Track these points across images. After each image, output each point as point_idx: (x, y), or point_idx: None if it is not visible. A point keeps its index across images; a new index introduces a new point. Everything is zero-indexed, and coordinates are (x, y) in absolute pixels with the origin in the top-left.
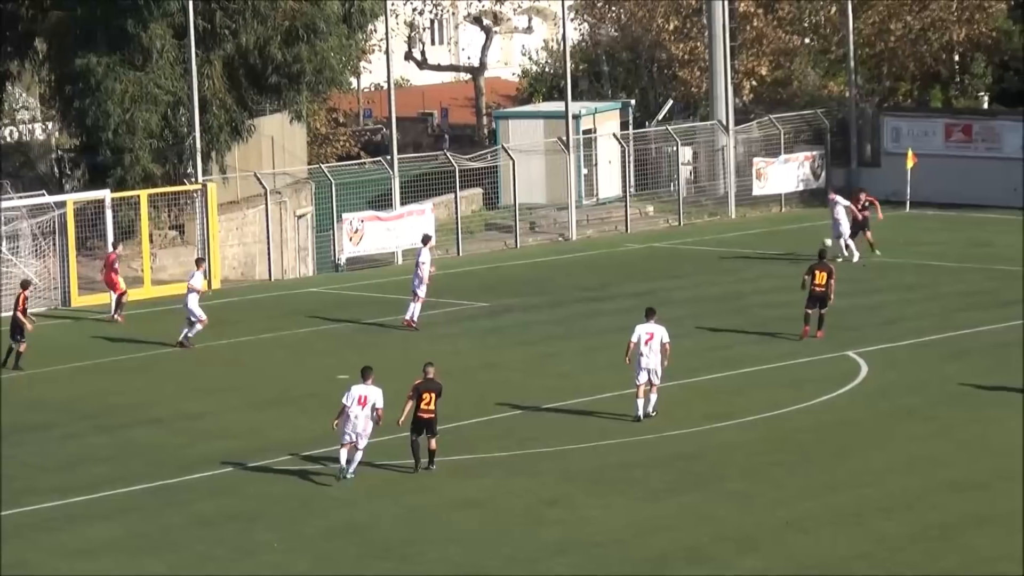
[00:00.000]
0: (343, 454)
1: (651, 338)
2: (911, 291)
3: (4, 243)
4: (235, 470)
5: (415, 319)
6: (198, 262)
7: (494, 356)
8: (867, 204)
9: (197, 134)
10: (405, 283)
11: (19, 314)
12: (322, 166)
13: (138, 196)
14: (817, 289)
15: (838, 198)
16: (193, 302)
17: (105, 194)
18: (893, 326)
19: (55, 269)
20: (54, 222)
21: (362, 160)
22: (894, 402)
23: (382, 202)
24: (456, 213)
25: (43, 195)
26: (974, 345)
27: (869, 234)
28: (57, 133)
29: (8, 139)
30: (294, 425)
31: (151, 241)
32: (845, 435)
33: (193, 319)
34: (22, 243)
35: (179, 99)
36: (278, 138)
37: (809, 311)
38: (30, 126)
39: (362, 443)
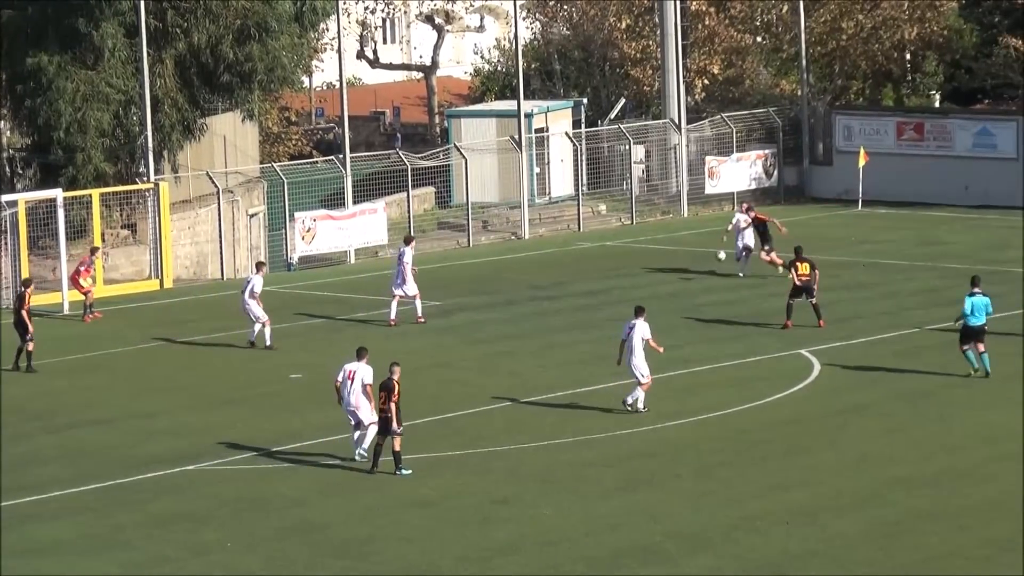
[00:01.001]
0: (354, 435)
1: (633, 330)
2: (863, 289)
3: None
4: (186, 470)
5: (420, 315)
6: (259, 266)
7: (447, 355)
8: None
9: (149, 133)
10: (357, 282)
11: (24, 313)
12: (274, 165)
13: (90, 195)
14: (803, 279)
15: (741, 216)
16: (254, 304)
17: (57, 193)
18: (846, 324)
19: (7, 268)
20: (5, 221)
21: (314, 159)
22: (846, 400)
23: (334, 201)
24: (408, 212)
25: None
26: (926, 343)
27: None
28: (8, 132)
29: None
30: (247, 425)
31: (103, 240)
32: (797, 433)
33: (257, 320)
34: None
35: (131, 98)
36: (230, 137)
37: (792, 302)
38: None
39: (364, 417)
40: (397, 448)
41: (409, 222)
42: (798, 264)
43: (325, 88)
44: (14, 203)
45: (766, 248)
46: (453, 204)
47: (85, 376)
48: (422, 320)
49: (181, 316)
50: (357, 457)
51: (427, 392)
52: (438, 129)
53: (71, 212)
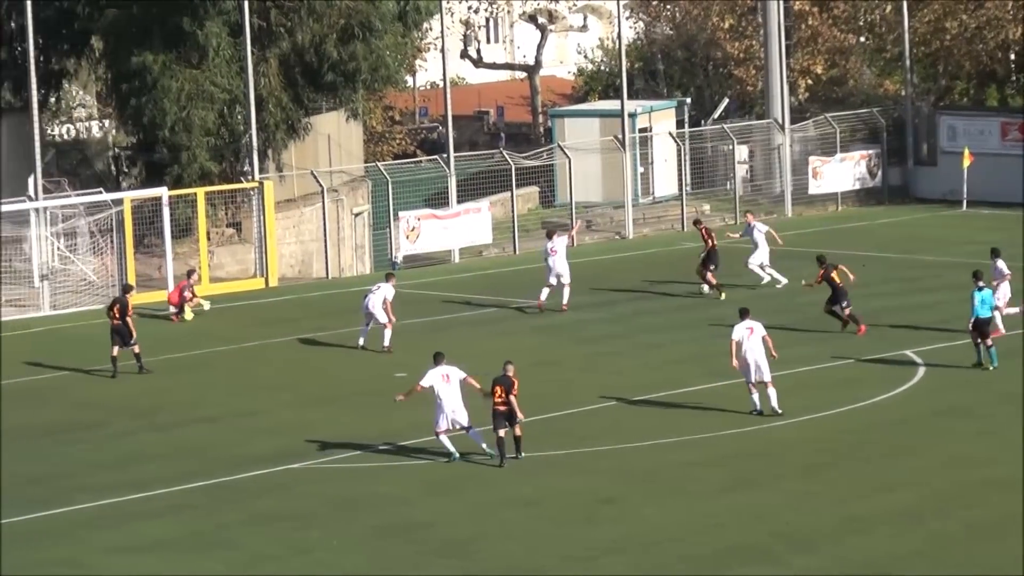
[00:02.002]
0: (445, 441)
1: (752, 333)
2: (967, 290)
3: (62, 240)
4: (290, 468)
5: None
6: (388, 276)
7: (551, 354)
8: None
9: (253, 132)
10: (461, 281)
11: (128, 320)
12: (378, 164)
13: (195, 194)
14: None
15: (757, 223)
16: (380, 309)
17: (162, 192)
18: (950, 325)
19: (113, 267)
20: (111, 220)
21: (418, 158)
22: (950, 401)
23: (438, 200)
24: (512, 211)
25: (100, 192)
26: None
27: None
28: (114, 131)
29: (65, 137)
30: (350, 423)
31: (208, 239)
32: (901, 434)
33: (387, 322)
34: (80, 240)
35: (235, 97)
36: (334, 136)
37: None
38: (87, 124)
39: (462, 419)
40: (519, 433)
41: (513, 222)
42: (833, 273)
43: (429, 87)
44: (120, 201)
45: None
46: (557, 204)
47: (189, 374)
48: (565, 308)
49: (286, 314)
50: (455, 459)
51: (532, 391)
52: (542, 129)
53: (176, 210)
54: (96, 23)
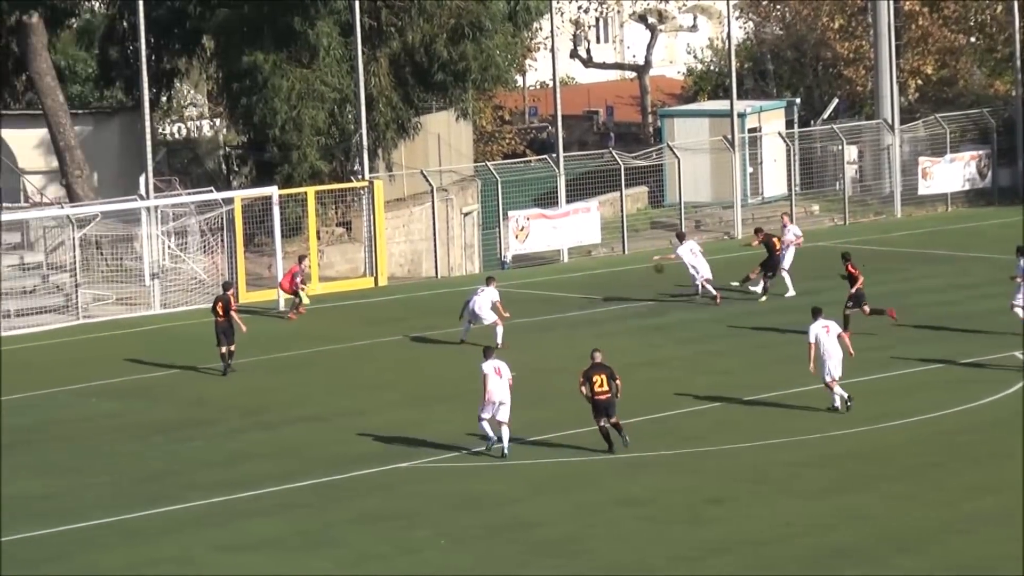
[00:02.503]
0: (487, 427)
1: (828, 331)
2: None
3: (173, 239)
4: (398, 467)
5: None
6: (489, 279)
7: (657, 353)
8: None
9: (364, 131)
10: (570, 281)
11: (233, 315)
12: (488, 164)
13: (305, 193)
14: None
15: (793, 227)
16: (488, 311)
17: (272, 191)
18: None
19: (223, 265)
20: (222, 218)
21: (528, 158)
22: None
23: (547, 200)
24: (621, 211)
25: (211, 191)
26: None
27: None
28: (225, 130)
29: (176, 136)
30: (456, 422)
31: (318, 238)
32: (1008, 436)
33: (496, 321)
34: (190, 239)
35: (345, 96)
36: (444, 135)
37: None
38: (198, 123)
39: (504, 414)
40: (616, 420)
41: (622, 221)
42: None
43: (538, 87)
44: (230, 200)
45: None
46: (666, 204)
47: (297, 373)
48: (718, 303)
49: (394, 314)
50: (493, 447)
51: (639, 391)
52: (651, 128)
53: (286, 209)
54: (207, 22)
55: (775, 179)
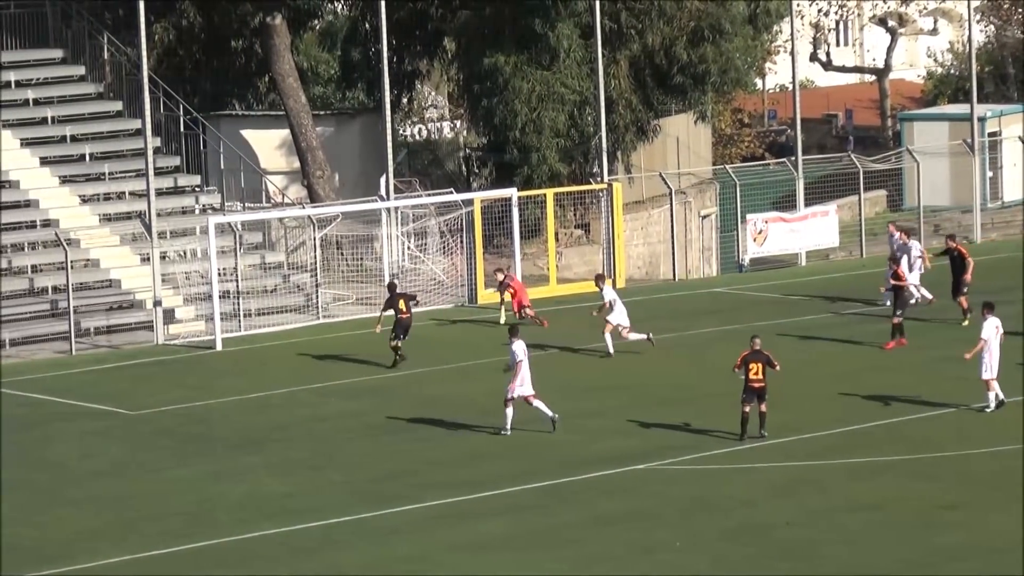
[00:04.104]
0: (510, 413)
1: (998, 332)
2: None
3: (412, 240)
4: (634, 469)
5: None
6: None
7: (887, 359)
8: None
9: (603, 133)
10: (809, 284)
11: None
12: (726, 167)
13: (544, 195)
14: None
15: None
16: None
17: (512, 192)
18: None
19: (462, 266)
20: (461, 220)
21: (766, 161)
22: None
23: (786, 203)
24: (860, 215)
25: (451, 193)
26: None
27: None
28: (465, 132)
29: (417, 137)
30: (696, 424)
31: (557, 239)
32: None
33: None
34: (430, 240)
35: (585, 99)
36: (683, 138)
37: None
38: (438, 124)
39: (529, 389)
40: (764, 410)
41: (860, 225)
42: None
43: (778, 90)
44: (470, 202)
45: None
46: (905, 207)
47: (533, 373)
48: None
49: (632, 315)
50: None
51: (871, 395)
52: (890, 132)
53: (525, 211)
54: (449, 24)
55: (1015, 183)
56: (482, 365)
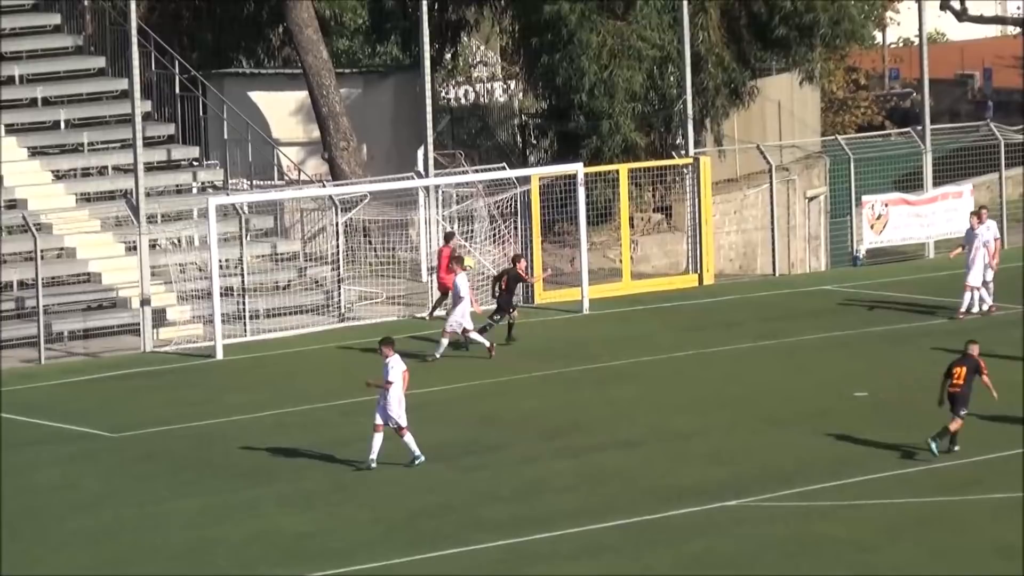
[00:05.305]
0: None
1: None
2: None
3: (456, 226)
4: (727, 505)
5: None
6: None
7: None
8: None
9: (688, 97)
10: (936, 281)
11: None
12: (839, 138)
13: (617, 171)
14: None
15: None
16: None
17: (577, 168)
18: None
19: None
20: (515, 201)
21: (887, 131)
22: None
23: (911, 182)
24: (1001, 196)
25: (503, 168)
26: None
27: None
28: (521, 94)
29: (463, 101)
30: (801, 450)
31: (631, 226)
32: None
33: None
34: (477, 226)
35: (667, 55)
36: (785, 103)
37: None
38: (488, 86)
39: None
40: (954, 428)
41: (1001, 208)
42: None
43: (901, 45)
44: (526, 179)
45: None
46: None
47: (608, 388)
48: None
49: (725, 318)
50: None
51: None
52: None
53: (594, 191)
54: None
55: None
56: (550, 376)
